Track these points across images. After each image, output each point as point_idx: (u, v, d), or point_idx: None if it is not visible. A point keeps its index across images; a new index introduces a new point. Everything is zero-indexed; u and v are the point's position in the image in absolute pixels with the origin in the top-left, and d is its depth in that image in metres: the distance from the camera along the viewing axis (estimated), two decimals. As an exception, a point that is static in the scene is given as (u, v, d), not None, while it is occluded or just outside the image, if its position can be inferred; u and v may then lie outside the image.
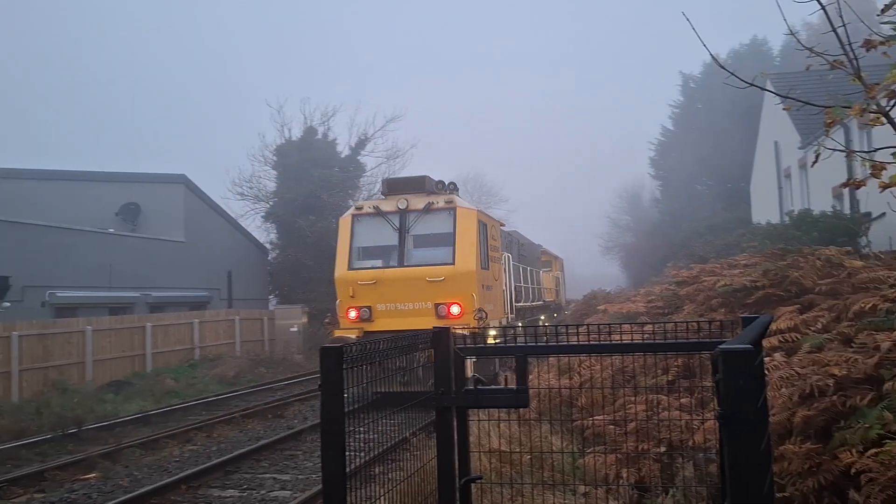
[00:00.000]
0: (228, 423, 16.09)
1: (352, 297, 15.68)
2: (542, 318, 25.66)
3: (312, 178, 38.52)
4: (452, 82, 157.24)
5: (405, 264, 15.51)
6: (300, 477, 11.09)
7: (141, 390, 21.34)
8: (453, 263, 15.08)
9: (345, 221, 16.52)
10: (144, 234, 31.54)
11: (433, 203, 15.66)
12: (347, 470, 3.14)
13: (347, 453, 3.17)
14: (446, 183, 16.70)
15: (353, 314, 15.67)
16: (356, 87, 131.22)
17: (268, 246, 41.31)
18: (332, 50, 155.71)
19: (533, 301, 24.19)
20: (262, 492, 10.34)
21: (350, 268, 16.02)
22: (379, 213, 15.93)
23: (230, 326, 30.08)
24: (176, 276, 31.42)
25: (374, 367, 3.52)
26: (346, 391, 3.14)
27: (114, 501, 9.54)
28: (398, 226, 15.71)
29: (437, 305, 14.96)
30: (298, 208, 38.42)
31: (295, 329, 32.89)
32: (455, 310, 14.87)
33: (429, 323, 13.29)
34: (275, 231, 41.06)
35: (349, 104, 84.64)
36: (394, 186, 16.48)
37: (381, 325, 15.17)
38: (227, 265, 35.26)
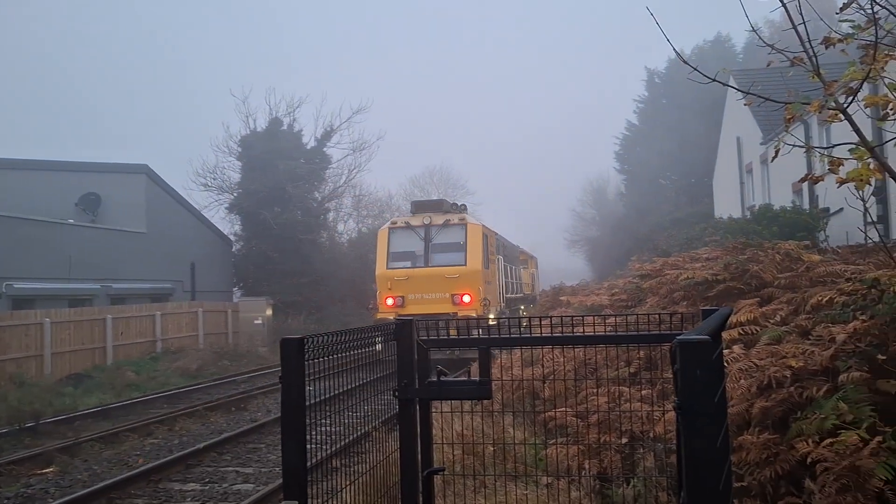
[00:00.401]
0: (191, 416, 15.92)
1: (389, 288, 20.64)
2: (522, 307, 29.23)
3: (278, 170, 38.24)
4: (418, 76, 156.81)
5: (429, 265, 20.64)
6: (263, 470, 11.01)
7: (101, 383, 21.02)
8: (465, 265, 20.30)
9: (383, 233, 21.74)
10: (105, 224, 31.00)
11: (449, 220, 21.07)
12: (309, 462, 3.12)
13: (310, 446, 3.15)
14: (458, 204, 23.05)
15: (390, 301, 20.51)
16: (322, 79, 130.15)
17: (232, 238, 40.95)
18: (298, 41, 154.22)
19: (515, 293, 28.22)
20: (225, 485, 10.25)
21: (388, 267, 21.01)
22: (409, 227, 21.18)
23: (193, 319, 29.74)
24: (137, 268, 30.96)
25: (338, 359, 3.51)
26: (307, 383, 3.13)
27: (71, 496, 9.39)
28: (423, 236, 20.91)
29: (452, 295, 19.99)
30: (263, 200, 38.12)
31: (259, 321, 32.66)
32: (466, 298, 19.86)
33: (447, 308, 19.39)
34: (239, 223, 40.76)
35: (315, 95, 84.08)
36: (420, 207, 22.31)
37: (410, 310, 19.52)
38: (190, 257, 34.83)
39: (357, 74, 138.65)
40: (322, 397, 3.46)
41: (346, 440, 4.11)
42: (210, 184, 41.35)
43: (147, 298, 30.20)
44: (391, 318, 15.79)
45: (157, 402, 18.32)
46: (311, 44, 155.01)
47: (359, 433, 4.16)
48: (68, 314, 23.20)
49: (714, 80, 5.66)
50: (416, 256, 21.00)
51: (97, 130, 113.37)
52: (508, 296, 25.79)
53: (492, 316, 19.72)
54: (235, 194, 40.60)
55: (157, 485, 10.40)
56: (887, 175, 5.45)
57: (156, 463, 11.16)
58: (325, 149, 43.15)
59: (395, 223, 21.82)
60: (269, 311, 33.47)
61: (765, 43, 5.98)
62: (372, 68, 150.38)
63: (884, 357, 5.82)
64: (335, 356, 3.42)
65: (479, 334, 4.19)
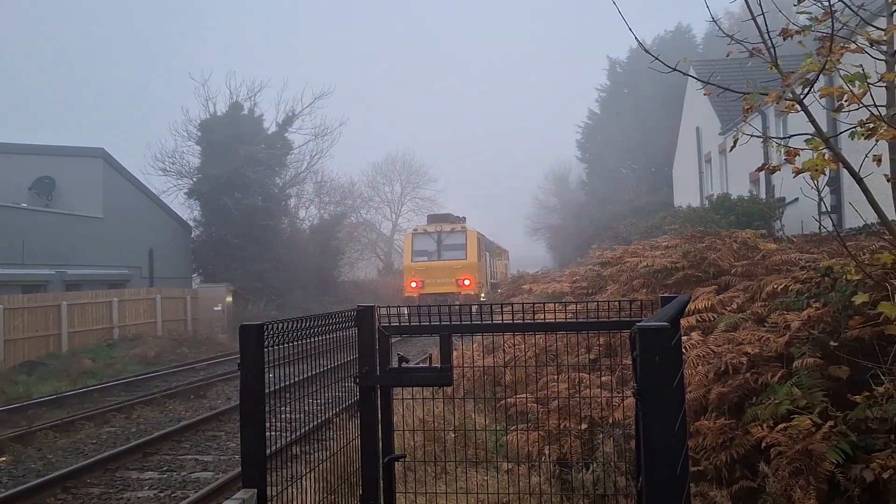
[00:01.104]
0: (148, 403, 15.71)
1: (413, 275, 29.52)
2: (500, 290, 34.00)
3: (238, 155, 37.76)
4: (381, 63, 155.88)
5: (441, 259, 29.63)
6: (223, 458, 10.92)
7: (56, 371, 20.62)
8: (465, 259, 29.59)
9: (408, 237, 32.05)
10: (60, 209, 30.29)
11: (455, 227, 30.56)
12: (269, 450, 3.10)
13: (269, 433, 3.13)
14: (461, 217, 32.14)
15: (413, 284, 29.36)
16: (284, 63, 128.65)
17: (191, 223, 40.35)
18: (259, 24, 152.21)
19: (494, 279, 36.41)
20: (183, 473, 10.15)
21: (412, 261, 30.32)
22: (426, 232, 30.63)
23: (151, 305, 29.31)
24: (94, 254, 30.36)
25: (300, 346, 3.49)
26: (267, 370, 3.10)
27: (25, 485, 9.21)
28: (436, 239, 30.03)
29: (457, 280, 28.96)
30: (223, 185, 37.64)
31: (219, 308, 32.32)
32: (467, 282, 29.02)
33: (453, 289, 28.26)
34: (198, 208, 40.18)
35: (277, 80, 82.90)
36: (433, 219, 32.25)
37: (428, 290, 28.63)
38: (148, 242, 34.26)
39: (319, 59, 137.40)
40: (282, 384, 3.43)
41: (307, 427, 4.08)
42: (169, 168, 40.70)
43: (104, 285, 29.66)
44: (415, 296, 28.10)
45: (114, 390, 18.02)
46: (272, 28, 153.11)
47: (320, 420, 4.13)
48: (22, 300, 22.67)
49: (674, 70, 5.70)
50: (431, 253, 30.13)
51: (52, 113, 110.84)
52: (491, 281, 34.59)
53: (483, 295, 30.11)
54: (195, 179, 39.99)
55: (114, 473, 10.25)
56: (841, 166, 5.55)
57: (112, 451, 11.00)
58: (286, 134, 42.73)
59: (417, 230, 31.69)
60: (229, 298, 33.12)
61: (724, 34, 6.05)
62: (335, 54, 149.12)
63: (836, 343, 5.96)
64: (296, 343, 3.39)
65: (440, 321, 4.18)
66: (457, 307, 4.25)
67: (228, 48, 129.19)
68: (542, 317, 5.00)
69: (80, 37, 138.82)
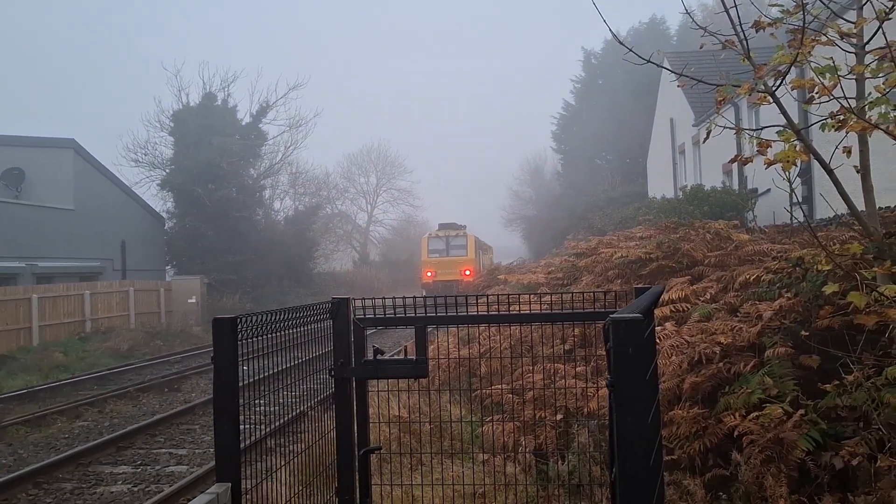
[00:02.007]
0: (122, 397, 15.55)
1: (428, 267, 37.86)
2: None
3: (212, 146, 37.39)
4: (356, 55, 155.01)
5: (448, 256, 38.26)
6: (197, 451, 10.85)
7: (27, 365, 20.34)
8: (466, 255, 38.40)
9: (424, 239, 40.55)
10: (30, 201, 29.82)
11: (459, 233, 39.35)
12: (243, 443, 3.08)
13: (245, 426, 3.11)
14: (463, 225, 40.83)
15: (429, 274, 37.74)
16: (258, 54, 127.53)
17: (164, 215, 39.90)
18: (232, 14, 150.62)
19: (483, 270, 41.19)
20: (157, 467, 10.07)
21: (427, 257, 38.81)
22: (438, 236, 39.24)
23: (124, 298, 28.99)
24: (65, 246, 29.94)
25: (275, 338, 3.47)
26: (241, 363, 3.08)
27: (-4, 481, 9.09)
28: (445, 241, 38.72)
29: (460, 270, 37.04)
30: (197, 176, 37.27)
31: (193, 300, 32.06)
32: (467, 272, 36.82)
33: (458, 278, 37.32)
34: (172, 200, 39.73)
35: (251, 70, 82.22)
36: (443, 227, 40.56)
37: (439, 278, 36.86)
38: (120, 234, 33.84)
39: (294, 50, 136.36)
40: (257, 377, 3.40)
41: (282, 420, 4.06)
42: (141, 160, 40.17)
43: (75, 277, 29.28)
44: (431, 283, 36.74)
45: (86, 384, 17.81)
46: (246, 18, 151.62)
47: (295, 413, 4.12)
48: (-9, 294, 22.34)
49: (649, 62, 5.73)
50: (441, 251, 39.11)
51: (21, 103, 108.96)
52: (482, 271, 39.75)
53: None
54: (168, 170, 39.53)
55: (87, 468, 10.14)
56: (812, 157, 5.62)
57: (85, 446, 10.89)
58: (260, 125, 42.33)
59: (431, 234, 40.89)
60: (203, 290, 32.86)
61: (698, 25, 6.08)
62: (309, 45, 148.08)
63: (807, 333, 6.03)
64: (270, 335, 3.37)
65: (415, 312, 4.18)
66: (431, 299, 4.25)
67: (202, 38, 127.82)
68: (518, 308, 5.01)
69: (50, 25, 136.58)
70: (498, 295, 4.31)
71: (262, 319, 3.24)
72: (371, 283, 53.77)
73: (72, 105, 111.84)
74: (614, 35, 6.63)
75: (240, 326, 3.02)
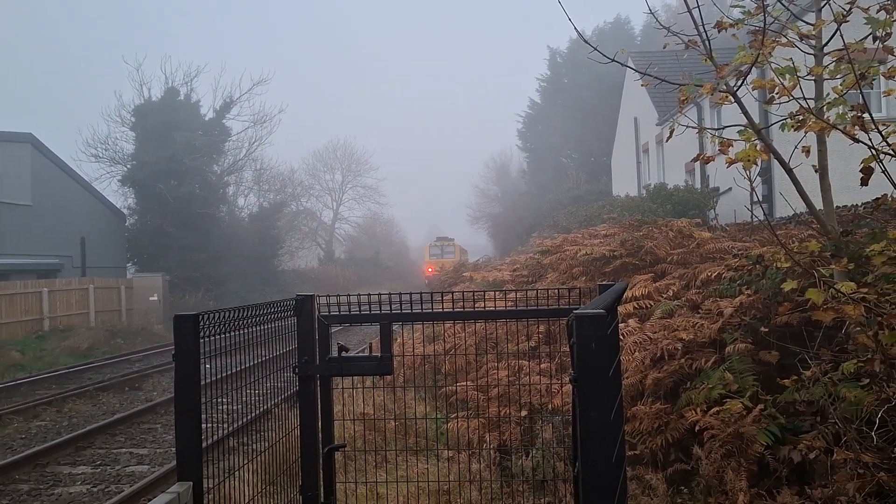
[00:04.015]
0: (81, 396, 15.28)
1: (429, 266, 52.10)
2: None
3: (174, 142, 36.91)
4: (321, 51, 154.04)
5: (442, 258, 51.68)
6: (159, 451, 10.71)
7: (-18, 364, 19.89)
8: (454, 258, 49.78)
9: (426, 247, 57.72)
10: (-15, 196, 29.16)
11: (450, 243, 56.03)
12: (205, 442, 3.04)
13: (206, 425, 3.07)
14: (452, 238, 57.93)
15: (429, 270, 50.68)
16: (221, 49, 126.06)
17: (125, 211, 39.28)
18: (196, 7, 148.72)
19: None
20: (118, 467, 9.92)
21: (429, 258, 54.24)
22: (435, 245, 56.13)
23: (84, 296, 28.48)
24: (22, 242, 29.30)
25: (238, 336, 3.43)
26: (204, 361, 3.04)
27: (-50, 483, 8.88)
28: (441, 248, 54.90)
29: (452, 269, 36.81)
30: (159, 172, 36.76)
31: (155, 298, 31.61)
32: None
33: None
34: (133, 196, 39.17)
35: (214, 65, 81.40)
36: (439, 238, 58.08)
37: (436, 272, 45.98)
38: (79, 231, 33.22)
39: (258, 46, 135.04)
40: (220, 375, 3.36)
41: (246, 419, 4.02)
42: (101, 155, 39.52)
43: (33, 274, 28.69)
44: (431, 276, 47.24)
45: (44, 383, 17.47)
46: (210, 13, 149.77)
47: (259, 411, 4.08)
48: (-55, 291, 21.80)
49: (613, 61, 5.78)
50: (438, 255, 52.44)
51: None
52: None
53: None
54: (129, 166, 38.93)
55: (45, 468, 9.95)
56: (773, 156, 5.71)
57: (43, 446, 10.68)
58: (224, 121, 41.90)
59: (431, 244, 56.15)
60: (165, 288, 32.42)
61: (661, 25, 6.14)
62: (273, 41, 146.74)
63: (766, 329, 6.14)
64: (233, 333, 3.33)
65: (380, 309, 4.17)
66: (396, 296, 4.24)
67: (164, 31, 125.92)
68: (483, 305, 5.02)
69: (4, 15, 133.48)
70: (463, 292, 4.31)
71: (224, 317, 3.19)
72: (337, 280, 53.53)
73: (28, 98, 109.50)
74: (579, 34, 6.68)
75: (202, 324, 2.98)
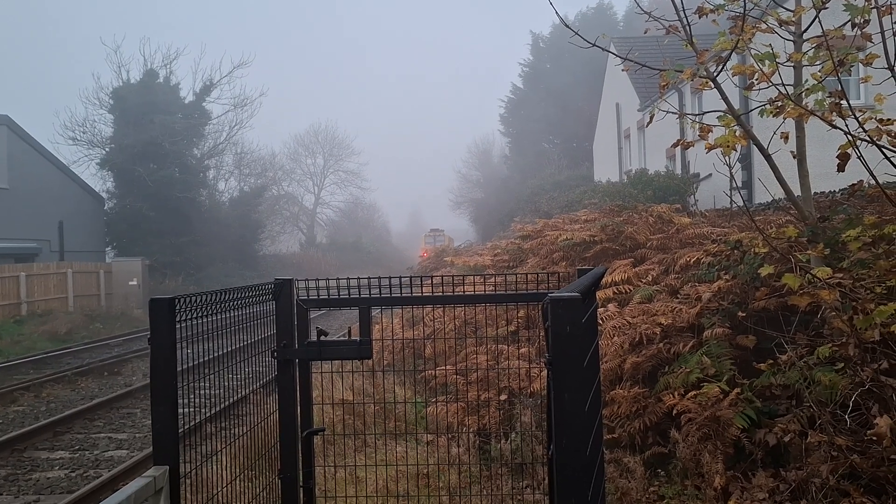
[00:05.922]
0: (59, 381, 15.16)
1: (424, 251, 47.99)
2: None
3: (153, 125, 36.52)
4: (303, 34, 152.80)
5: (435, 245, 46.46)
6: (138, 435, 10.66)
7: (-42, 349, 19.69)
8: (444, 244, 43.56)
9: (423, 237, 59.02)
10: (-40, 179, 28.74)
11: (441, 233, 55.97)
12: (183, 427, 3.03)
13: (184, 410, 3.05)
14: (443, 229, 58.59)
15: (423, 255, 44.40)
16: (201, 30, 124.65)
17: (104, 195, 38.85)
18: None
19: None
20: (96, 452, 9.86)
21: (424, 245, 53.10)
22: (430, 234, 57.29)
23: (62, 280, 28.20)
24: (-2, 226, 28.96)
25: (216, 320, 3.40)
26: (182, 345, 3.02)
27: (-74, 468, 8.80)
28: (434, 237, 54.48)
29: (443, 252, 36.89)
30: (138, 155, 36.38)
31: (134, 282, 31.36)
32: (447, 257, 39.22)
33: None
34: (112, 179, 38.71)
35: (194, 47, 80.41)
36: (433, 230, 58.34)
37: (429, 257, 38.32)
38: (58, 215, 32.85)
39: (238, 28, 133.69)
40: (198, 360, 3.35)
41: (224, 404, 4.01)
42: (79, 138, 39.01)
43: (10, 259, 28.35)
44: (425, 259, 38.27)
45: (21, 368, 17.32)
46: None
47: (237, 396, 4.07)
48: (-81, 275, 21.50)
49: (594, 46, 5.77)
50: (432, 241, 51.79)
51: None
52: None
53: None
54: (107, 149, 38.48)
55: (22, 454, 9.88)
56: (751, 142, 5.75)
57: (20, 431, 10.60)
58: (204, 104, 41.49)
59: (426, 234, 57.60)
60: (144, 272, 32.17)
61: (642, 10, 6.14)
62: (255, 23, 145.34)
63: (744, 314, 6.20)
64: (211, 317, 3.31)
65: (359, 293, 4.16)
66: (376, 280, 4.23)
67: (142, 13, 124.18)
68: (464, 289, 5.03)
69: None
70: (443, 276, 4.31)
71: (202, 300, 3.17)
72: (318, 265, 53.37)
73: (4, 80, 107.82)
74: (560, 18, 6.67)
75: (178, 307, 2.96)
